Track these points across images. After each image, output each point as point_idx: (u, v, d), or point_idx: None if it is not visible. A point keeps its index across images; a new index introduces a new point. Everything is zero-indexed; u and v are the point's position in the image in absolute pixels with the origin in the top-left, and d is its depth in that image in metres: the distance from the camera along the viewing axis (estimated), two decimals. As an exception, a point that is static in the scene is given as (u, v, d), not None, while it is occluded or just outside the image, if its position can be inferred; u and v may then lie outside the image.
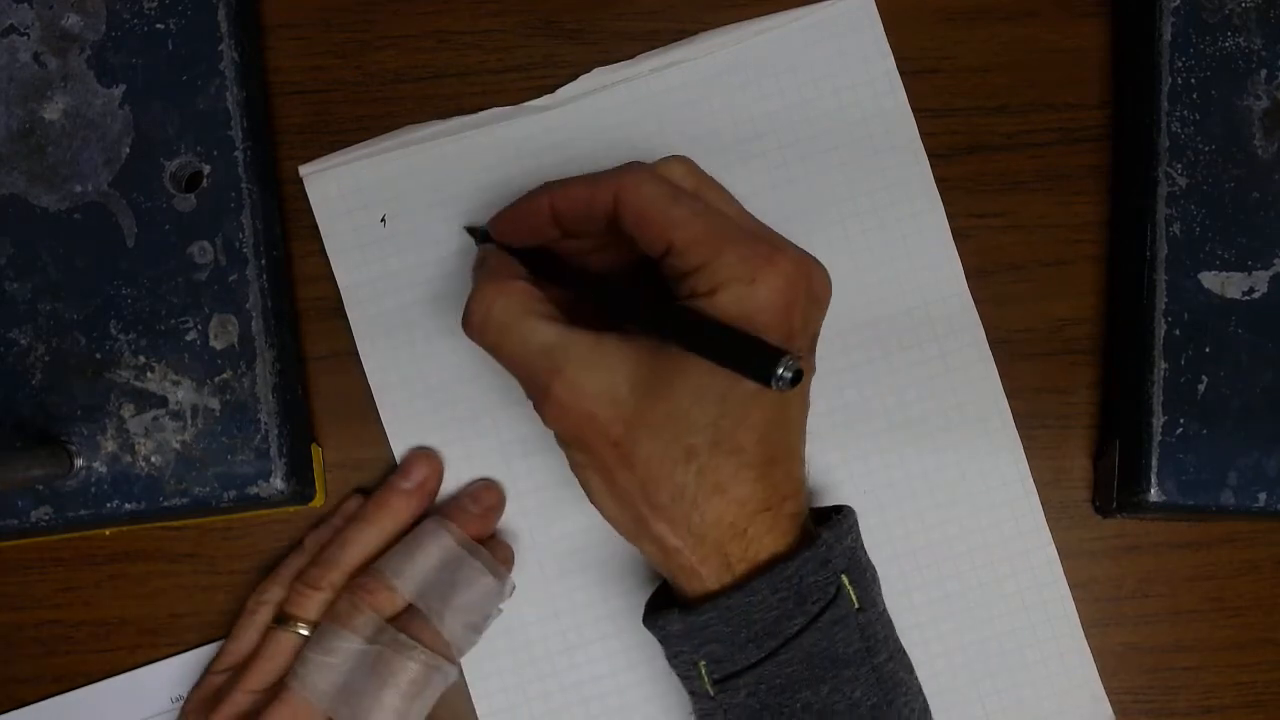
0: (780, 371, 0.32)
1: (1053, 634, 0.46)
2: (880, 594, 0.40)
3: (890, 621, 0.40)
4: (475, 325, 0.39)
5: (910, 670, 0.40)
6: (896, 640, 0.40)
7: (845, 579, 0.38)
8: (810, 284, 0.37)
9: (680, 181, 0.38)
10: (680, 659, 0.38)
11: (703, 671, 0.38)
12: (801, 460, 0.40)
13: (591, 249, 0.41)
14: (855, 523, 0.40)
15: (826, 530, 0.38)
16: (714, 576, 0.37)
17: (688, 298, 0.36)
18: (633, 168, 0.38)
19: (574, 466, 0.39)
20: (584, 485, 0.39)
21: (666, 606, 0.39)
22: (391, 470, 0.46)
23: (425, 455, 0.46)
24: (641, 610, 0.41)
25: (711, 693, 0.38)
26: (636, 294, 0.37)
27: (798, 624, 0.37)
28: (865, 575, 0.39)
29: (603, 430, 0.37)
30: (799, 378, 0.33)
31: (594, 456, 0.37)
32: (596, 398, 0.36)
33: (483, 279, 0.40)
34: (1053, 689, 0.46)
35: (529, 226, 0.40)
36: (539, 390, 0.37)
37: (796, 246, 0.38)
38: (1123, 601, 0.46)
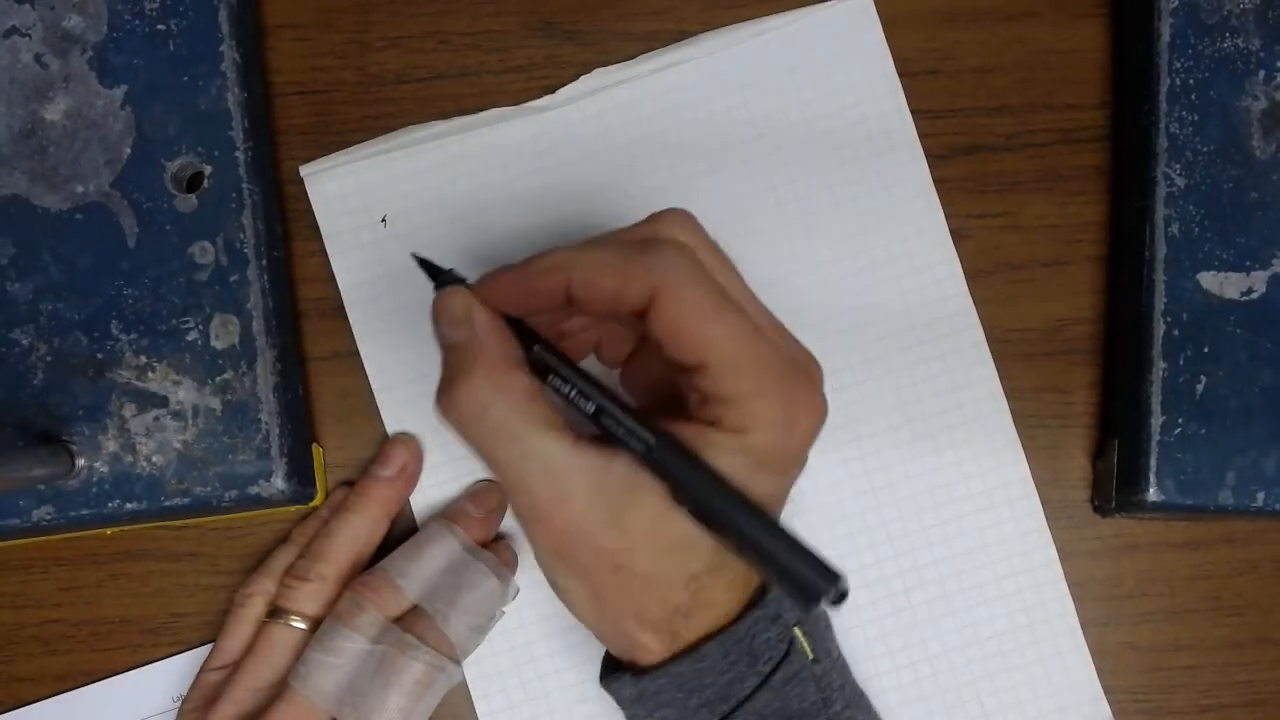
0: (831, 599, 0.31)
1: (1051, 633, 0.46)
2: (834, 639, 0.38)
3: (846, 666, 0.38)
4: (464, 421, 0.34)
5: (868, 711, 0.38)
6: (854, 685, 0.38)
7: (798, 631, 0.36)
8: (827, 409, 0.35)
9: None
10: None
11: None
12: None
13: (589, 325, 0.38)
14: None
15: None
16: (663, 649, 0.35)
17: (710, 424, 0.33)
18: (671, 257, 0.33)
19: (556, 581, 0.35)
20: (564, 597, 0.36)
21: (621, 667, 0.37)
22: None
23: (403, 440, 0.46)
24: None
25: None
26: (673, 458, 0.33)
27: (750, 685, 0.35)
28: (819, 624, 0.37)
29: (607, 558, 0.34)
30: (842, 599, 0.31)
31: (588, 580, 0.34)
32: (605, 532, 0.33)
33: (474, 364, 0.34)
34: (1052, 688, 0.46)
35: (534, 300, 0.34)
36: (536, 515, 0.34)
37: (812, 359, 0.35)
38: (1121, 601, 0.46)
